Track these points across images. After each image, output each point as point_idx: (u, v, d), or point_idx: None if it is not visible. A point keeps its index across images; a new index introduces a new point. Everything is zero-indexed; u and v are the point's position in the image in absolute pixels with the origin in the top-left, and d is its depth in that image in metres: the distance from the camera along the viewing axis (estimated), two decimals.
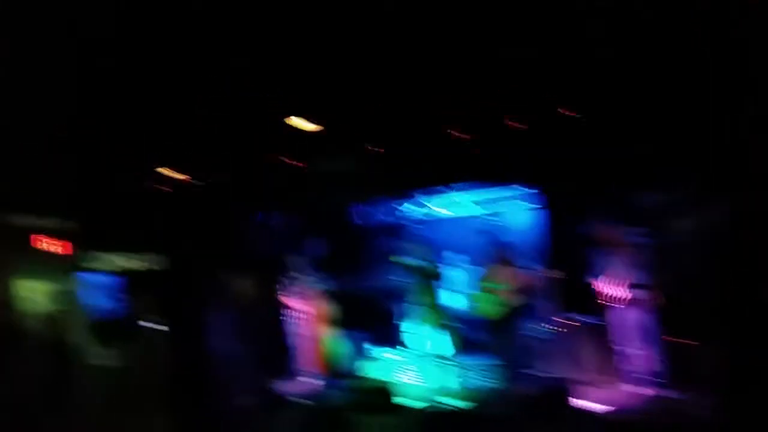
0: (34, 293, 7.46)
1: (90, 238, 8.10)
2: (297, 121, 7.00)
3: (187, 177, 8.64)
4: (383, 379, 5.83)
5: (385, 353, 6.44)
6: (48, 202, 7.76)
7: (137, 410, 5.90)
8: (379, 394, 5.01)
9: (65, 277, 7.66)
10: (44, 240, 7.77)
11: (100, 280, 8.04)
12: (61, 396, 6.14)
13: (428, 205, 7.29)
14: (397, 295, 6.54)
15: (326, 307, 6.61)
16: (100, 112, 6.70)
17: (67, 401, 6.14)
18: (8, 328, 6.94)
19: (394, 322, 6.54)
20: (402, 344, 6.39)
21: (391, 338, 6.48)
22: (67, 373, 6.54)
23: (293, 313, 6.71)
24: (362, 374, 6.24)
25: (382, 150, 7.41)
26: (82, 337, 7.16)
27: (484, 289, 6.00)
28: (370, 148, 7.48)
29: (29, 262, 7.62)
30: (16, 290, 7.36)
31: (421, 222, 7.28)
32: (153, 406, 6.00)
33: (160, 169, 8.63)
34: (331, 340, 6.54)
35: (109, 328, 7.28)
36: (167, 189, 8.55)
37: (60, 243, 7.77)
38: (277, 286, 6.81)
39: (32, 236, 7.72)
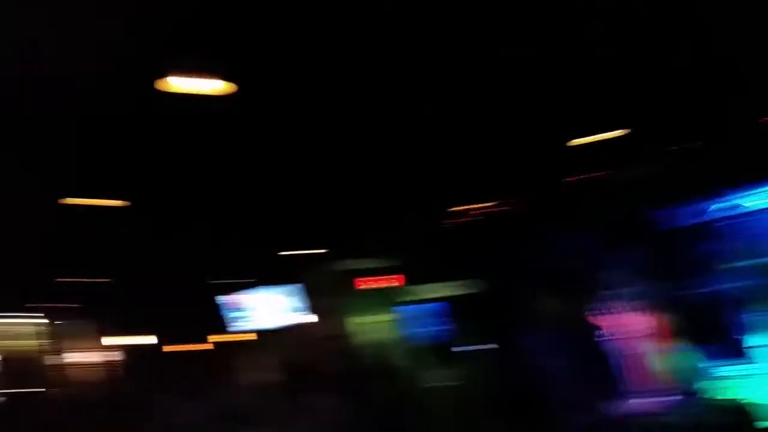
0: (369, 326, 8.53)
1: (412, 273, 9.00)
2: (593, 137, 6.94)
3: (493, 204, 9.15)
4: (729, 397, 5.18)
5: (730, 368, 5.69)
6: (372, 247, 8.94)
7: (471, 428, 6.26)
8: (726, 414, 4.51)
9: (394, 309, 8.61)
10: (370, 280, 8.91)
11: (425, 308, 8.84)
12: (402, 418, 6.82)
13: (753, 198, 6.40)
14: (736, 303, 5.80)
15: (655, 321, 6.20)
16: (405, 157, 7.56)
17: (408, 423, 6.80)
18: (349, 359, 8.02)
19: (736, 332, 5.78)
20: (750, 357, 5.62)
21: (734, 351, 5.74)
22: (405, 396, 7.25)
23: (618, 329, 6.44)
24: (705, 393, 5.61)
25: (698, 145, 6.86)
26: (414, 362, 7.90)
27: None
28: (681, 146, 6.98)
29: (360, 299, 8.78)
30: (354, 325, 8.51)
31: (755, 216, 6.40)
32: (485, 425, 6.30)
33: (466, 202, 9.34)
34: (664, 356, 6.07)
35: (437, 352, 7.93)
36: (476, 218, 9.15)
37: (387, 279, 8.83)
38: (597, 303, 6.63)
39: (358, 278, 8.91)
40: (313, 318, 9.33)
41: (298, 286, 9.77)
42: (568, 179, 8.09)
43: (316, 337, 8.62)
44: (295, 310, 9.68)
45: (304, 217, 9.02)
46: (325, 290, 9.21)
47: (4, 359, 9.65)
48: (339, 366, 7.49)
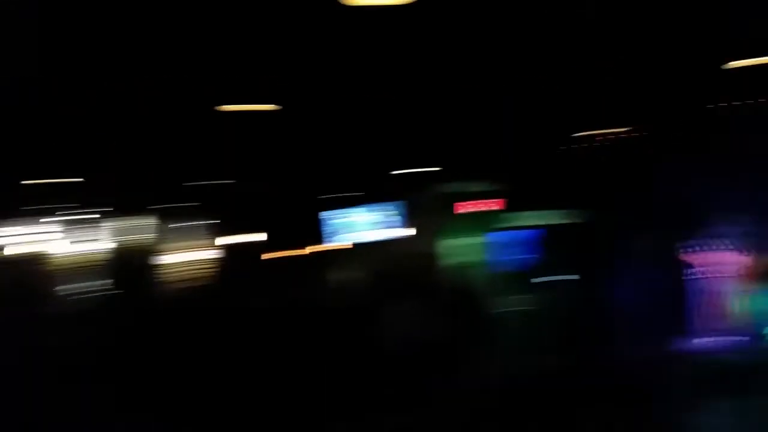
0: (462, 248, 9.26)
1: (516, 199, 9.57)
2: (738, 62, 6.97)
3: (606, 132, 9.46)
4: None
5: None
6: (474, 169, 9.62)
7: (539, 351, 6.96)
8: None
9: (485, 233, 9.26)
10: (468, 203, 9.59)
11: (519, 235, 9.43)
12: (468, 339, 7.59)
13: None
14: None
15: (746, 262, 6.48)
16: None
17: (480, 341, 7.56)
18: (436, 277, 8.85)
19: None
20: None
21: None
22: (478, 319, 8.00)
23: (709, 267, 6.64)
24: None
25: None
26: (494, 287, 8.63)
27: None
28: None
29: (458, 221, 9.49)
30: (448, 245, 9.24)
31: None
32: (553, 348, 6.96)
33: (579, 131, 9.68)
34: (747, 297, 6.44)
35: (522, 279, 8.60)
36: (583, 148, 9.55)
37: (484, 203, 9.50)
38: (696, 239, 6.82)
39: (459, 200, 9.58)
40: (410, 235, 10.32)
41: (401, 203, 10.77)
42: (713, 105, 8.10)
43: (408, 253, 9.57)
44: (394, 226, 10.76)
45: (415, 136, 9.87)
46: (426, 210, 10.05)
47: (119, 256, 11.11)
48: (424, 281, 8.41)
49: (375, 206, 11.12)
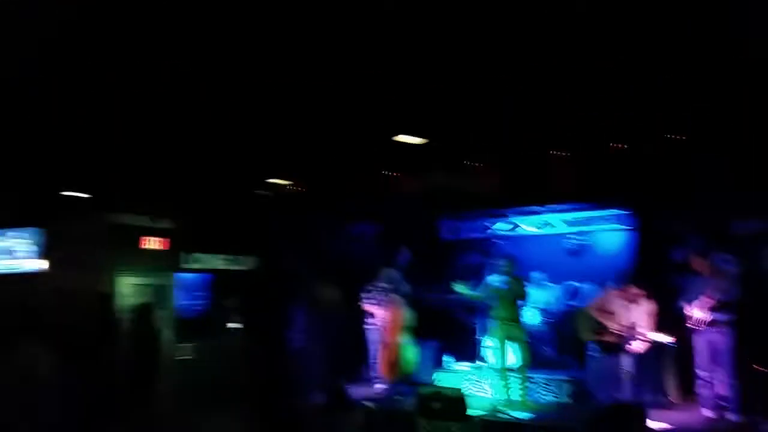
0: (131, 289, 8.47)
1: (189, 240, 9.13)
2: (401, 138, 7.90)
3: (287, 185, 9.80)
4: (452, 387, 6.32)
5: (457, 364, 7.14)
6: (155, 205, 8.97)
7: (213, 403, 6.73)
8: (447, 402, 5.48)
9: (162, 274, 8.66)
10: (148, 239, 8.79)
11: (194, 278, 9.05)
12: (143, 386, 7.04)
13: (517, 222, 7.97)
14: (476, 309, 7.19)
15: (405, 317, 7.26)
16: (211, 123, 7.86)
17: (149, 392, 7.05)
18: (103, 320, 7.97)
19: (470, 334, 7.21)
20: (475, 356, 7.05)
21: (465, 350, 7.16)
22: (152, 365, 7.47)
23: (373, 319, 7.46)
24: (432, 382, 6.87)
25: (479, 166, 8.20)
26: (170, 331, 8.14)
27: (568, 307, 6.75)
28: (467, 163, 8.28)
29: (133, 259, 8.65)
30: (117, 286, 8.38)
31: (508, 238, 7.96)
32: (228, 400, 6.82)
33: (264, 178, 9.83)
34: (406, 348, 7.19)
35: (196, 325, 8.25)
36: (267, 194, 9.71)
37: (161, 241, 8.79)
38: (361, 294, 7.57)
39: (140, 236, 8.74)
40: (53, 267, 9.00)
41: (44, 230, 9.36)
42: (370, 175, 8.98)
43: (48, 288, 8.37)
44: (33, 256, 9.30)
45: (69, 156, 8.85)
46: (76, 239, 8.90)
47: None
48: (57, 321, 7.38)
49: (14, 231, 9.50)
